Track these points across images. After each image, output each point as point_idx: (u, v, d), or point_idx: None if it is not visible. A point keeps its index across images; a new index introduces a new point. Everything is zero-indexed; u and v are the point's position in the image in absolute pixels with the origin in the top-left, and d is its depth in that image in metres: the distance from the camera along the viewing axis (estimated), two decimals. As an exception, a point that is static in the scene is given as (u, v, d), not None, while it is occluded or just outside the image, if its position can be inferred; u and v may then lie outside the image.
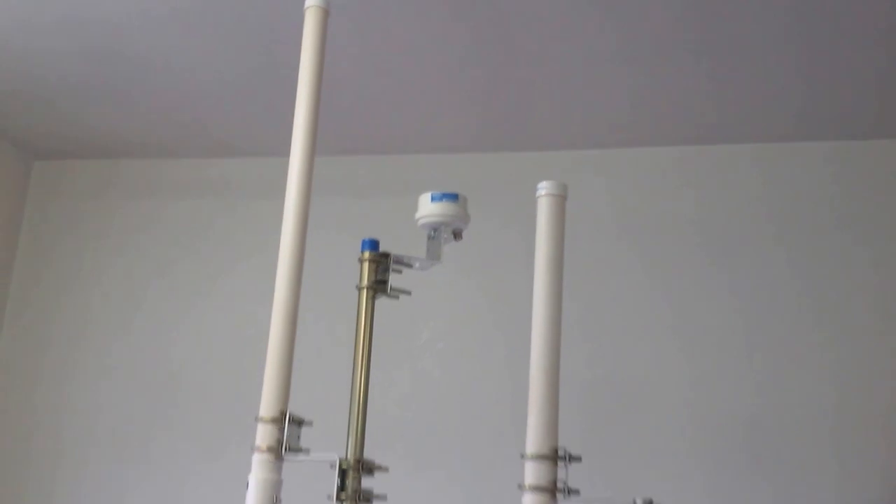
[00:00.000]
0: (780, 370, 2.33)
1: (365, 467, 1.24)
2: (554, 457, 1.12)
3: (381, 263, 1.35)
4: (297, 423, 1.25)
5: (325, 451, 1.23)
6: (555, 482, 1.11)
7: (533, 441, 1.13)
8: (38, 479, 2.63)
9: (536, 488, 1.11)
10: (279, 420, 1.23)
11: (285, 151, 1.35)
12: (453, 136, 2.63)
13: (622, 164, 2.59)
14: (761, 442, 2.29)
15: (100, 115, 2.60)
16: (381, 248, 1.38)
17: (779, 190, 2.48)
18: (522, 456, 1.14)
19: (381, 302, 1.36)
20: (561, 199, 1.23)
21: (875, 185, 2.44)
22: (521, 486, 1.13)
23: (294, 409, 1.24)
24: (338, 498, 1.23)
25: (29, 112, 2.62)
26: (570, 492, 1.11)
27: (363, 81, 2.32)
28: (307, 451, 1.24)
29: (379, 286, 1.34)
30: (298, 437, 1.26)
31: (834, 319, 2.34)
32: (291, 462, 1.23)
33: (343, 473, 1.23)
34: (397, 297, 1.37)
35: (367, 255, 1.36)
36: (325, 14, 1.40)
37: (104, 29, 2.13)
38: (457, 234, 1.40)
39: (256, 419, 1.24)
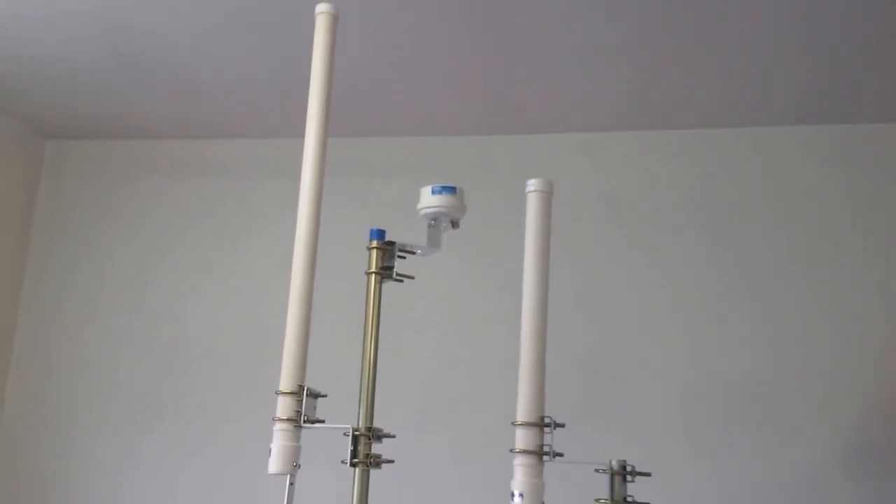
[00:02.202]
0: (774, 342, 2.46)
1: (374, 434, 1.39)
2: (541, 424, 1.27)
3: (387, 251, 1.50)
4: (314, 396, 1.40)
5: (338, 420, 1.39)
6: (541, 446, 1.26)
7: (522, 410, 1.28)
8: (52, 451, 2.77)
9: (525, 452, 1.26)
10: (297, 393, 1.38)
11: (294, 132, 1.46)
12: (454, 119, 2.72)
13: (618, 148, 2.70)
14: (753, 409, 2.43)
15: (111, 96, 2.68)
16: (386, 230, 1.52)
17: (775, 173, 2.58)
18: (513, 423, 1.29)
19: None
20: (548, 195, 1.37)
21: (873, 168, 2.54)
22: (512, 450, 1.28)
23: (310, 383, 1.39)
24: (351, 462, 1.38)
25: (42, 93, 2.70)
26: (555, 455, 1.26)
27: (369, 68, 2.40)
28: (323, 420, 1.39)
29: (385, 271, 1.48)
30: (315, 409, 1.41)
31: (825, 291, 2.48)
32: (309, 431, 1.39)
33: (355, 440, 1.38)
34: (402, 281, 1.51)
35: (374, 243, 1.50)
36: (335, 20, 1.53)
37: (115, 12, 2.17)
38: (454, 224, 1.54)
39: (277, 392, 1.39)
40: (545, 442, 1.27)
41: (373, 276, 1.48)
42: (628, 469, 1.28)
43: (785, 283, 2.50)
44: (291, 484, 1.35)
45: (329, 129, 1.49)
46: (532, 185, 1.39)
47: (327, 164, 1.50)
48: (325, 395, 1.42)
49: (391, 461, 1.38)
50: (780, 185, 2.57)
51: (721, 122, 2.61)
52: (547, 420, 1.28)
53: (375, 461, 1.38)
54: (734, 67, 2.28)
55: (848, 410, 2.38)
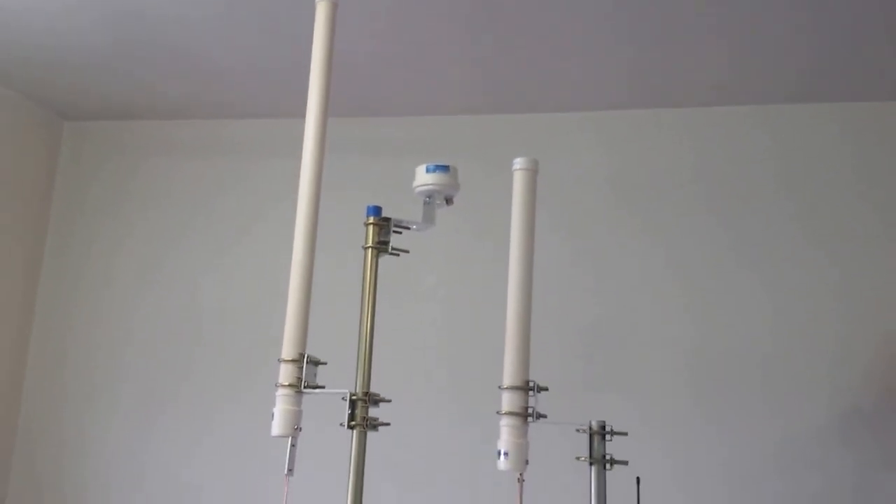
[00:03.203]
0: (780, 311, 2.53)
1: (371, 399, 1.48)
2: (525, 388, 1.35)
3: (384, 226, 1.58)
4: (314, 363, 1.49)
5: (337, 386, 1.47)
6: (526, 408, 1.35)
7: (508, 375, 1.36)
8: (72, 415, 2.88)
9: (510, 414, 1.34)
10: (299, 361, 1.47)
11: (301, 112, 1.55)
12: (455, 98, 2.78)
13: (622, 126, 2.75)
14: (759, 373, 2.50)
15: (126, 78, 2.76)
16: (383, 208, 1.60)
17: (781, 150, 2.64)
18: (500, 387, 1.37)
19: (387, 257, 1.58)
20: (532, 173, 1.44)
21: (880, 145, 2.59)
22: (499, 412, 1.36)
23: (313, 353, 1.48)
24: (349, 425, 1.47)
25: (60, 77, 2.79)
26: (538, 416, 1.35)
27: (369, 49, 2.46)
28: (323, 386, 1.48)
29: (381, 246, 1.56)
30: (315, 375, 1.50)
31: (832, 263, 2.54)
32: (309, 396, 1.48)
33: (353, 404, 1.47)
34: (398, 255, 1.59)
35: (371, 219, 1.58)
36: (335, 7, 1.60)
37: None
38: (448, 200, 1.61)
39: (279, 360, 1.48)
40: (529, 404, 1.35)
41: (370, 250, 1.56)
42: (607, 429, 1.36)
43: (791, 255, 2.56)
44: (293, 446, 1.45)
45: (330, 109, 1.57)
46: (518, 163, 1.46)
47: (329, 144, 1.58)
48: (324, 363, 1.51)
49: (387, 424, 1.47)
50: (786, 162, 2.63)
51: (726, 99, 2.65)
52: (531, 384, 1.36)
53: (372, 423, 1.46)
54: (740, 44, 2.29)
55: (853, 373, 2.45)
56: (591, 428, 1.38)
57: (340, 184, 2.34)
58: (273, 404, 1.45)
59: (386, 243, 1.56)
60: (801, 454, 2.41)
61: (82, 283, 2.99)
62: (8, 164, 2.89)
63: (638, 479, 1.40)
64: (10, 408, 2.87)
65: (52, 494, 2.82)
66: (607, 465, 1.35)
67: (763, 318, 2.53)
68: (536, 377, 1.38)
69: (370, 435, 1.47)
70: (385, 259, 1.58)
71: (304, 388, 1.46)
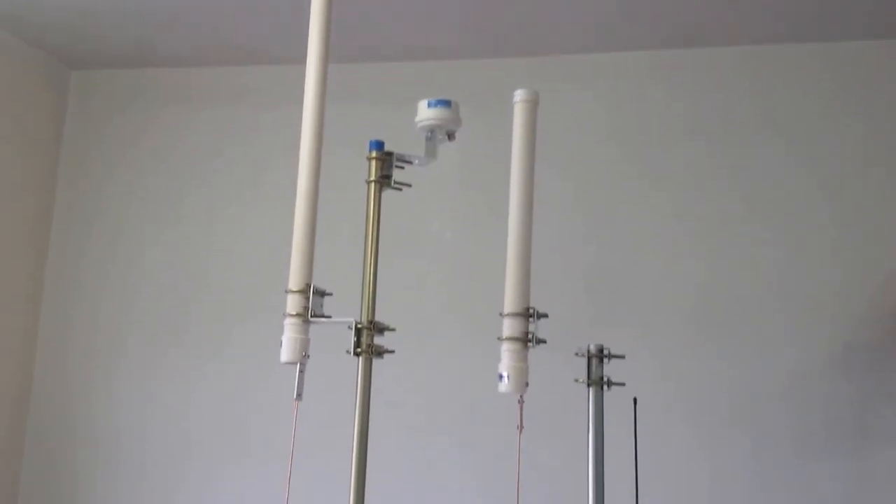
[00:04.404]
0: (782, 245, 2.57)
1: (376, 327, 1.52)
2: (525, 314, 1.39)
3: (386, 161, 1.60)
4: (320, 293, 1.53)
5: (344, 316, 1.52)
6: (526, 333, 1.39)
7: (509, 302, 1.40)
8: (77, 360, 2.95)
9: (511, 339, 1.38)
10: (305, 291, 1.51)
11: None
12: (452, 44, 2.79)
13: (622, 68, 2.76)
14: (768, 307, 2.55)
15: (133, 25, 2.76)
16: (386, 148, 1.63)
17: (770, 89, 2.66)
18: (501, 314, 1.41)
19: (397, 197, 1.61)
20: (533, 105, 1.46)
21: (865, 83, 2.61)
22: (499, 338, 1.40)
23: (318, 283, 1.52)
24: (355, 352, 1.52)
25: (65, 24, 2.78)
26: (538, 341, 1.39)
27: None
28: (329, 316, 1.52)
29: (384, 180, 1.59)
30: (321, 305, 1.54)
31: (827, 196, 2.58)
32: (316, 325, 1.52)
33: (358, 333, 1.51)
34: (400, 189, 1.62)
35: (373, 153, 1.61)
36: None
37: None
38: (450, 136, 1.64)
39: (286, 291, 1.52)
40: (529, 330, 1.39)
41: (372, 184, 1.59)
42: (605, 352, 1.40)
43: (791, 193, 2.59)
44: (301, 372, 1.49)
45: (333, 55, 1.59)
46: (518, 95, 1.48)
47: (332, 88, 1.60)
48: (330, 294, 1.54)
49: (391, 351, 1.51)
50: (776, 102, 2.64)
51: (714, 40, 2.66)
52: (531, 310, 1.39)
53: (377, 351, 1.51)
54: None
55: (856, 307, 2.49)
56: (588, 351, 1.42)
57: (341, 128, 2.36)
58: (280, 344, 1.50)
59: (388, 177, 1.59)
60: (804, 386, 2.45)
61: (93, 232, 3.03)
62: (15, 116, 2.91)
63: (635, 399, 1.44)
64: (26, 351, 2.94)
65: (65, 438, 2.89)
66: (605, 387, 1.40)
67: (766, 255, 2.57)
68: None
69: (376, 363, 1.52)
70: (389, 202, 1.61)
71: (311, 317, 1.50)
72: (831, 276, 2.52)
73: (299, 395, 1.48)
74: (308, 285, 1.51)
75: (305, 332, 1.51)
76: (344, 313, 1.53)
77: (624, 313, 2.61)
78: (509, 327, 1.39)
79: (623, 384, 1.39)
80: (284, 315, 1.51)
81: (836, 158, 2.58)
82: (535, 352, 1.40)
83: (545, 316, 1.39)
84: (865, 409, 2.44)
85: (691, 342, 2.55)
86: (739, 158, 2.63)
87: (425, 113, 1.59)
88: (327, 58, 1.58)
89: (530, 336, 1.39)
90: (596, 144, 2.73)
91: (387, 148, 1.62)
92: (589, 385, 1.40)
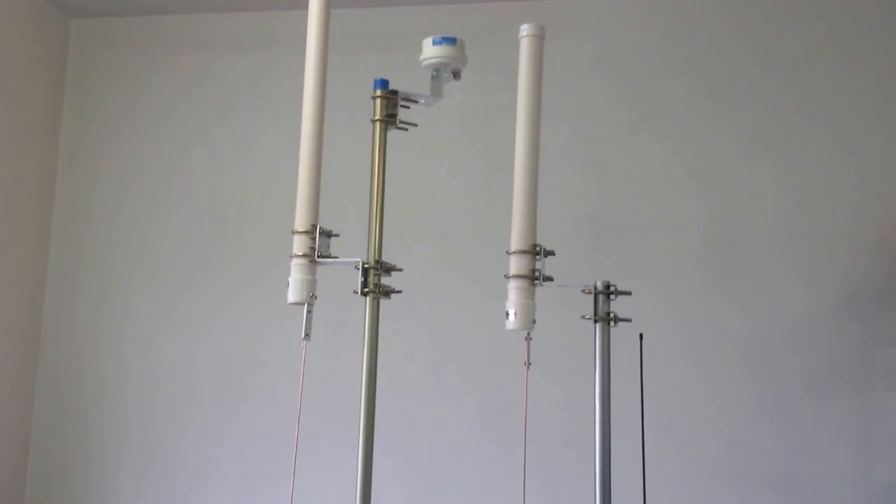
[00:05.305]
0: (793, 192, 2.55)
1: (383, 267, 1.52)
2: (532, 251, 1.39)
3: (391, 100, 1.59)
4: (326, 234, 1.53)
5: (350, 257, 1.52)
6: (533, 271, 1.38)
7: (516, 239, 1.39)
8: (87, 307, 2.95)
9: (518, 276, 1.38)
10: (311, 232, 1.51)
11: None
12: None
13: (609, 10, 2.73)
14: (775, 244, 2.54)
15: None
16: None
17: (766, 27, 2.63)
18: (507, 252, 1.41)
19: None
20: (539, 39, 1.44)
21: (860, 17, 2.58)
22: (506, 276, 1.40)
23: (324, 225, 1.52)
24: (362, 292, 1.52)
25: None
26: (545, 279, 1.38)
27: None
28: (336, 256, 1.52)
29: (389, 119, 1.58)
30: (328, 246, 1.54)
31: (822, 127, 2.55)
32: (324, 266, 1.52)
33: (365, 272, 1.52)
34: (406, 129, 1.61)
35: (378, 92, 1.59)
36: None
37: None
38: (456, 74, 1.62)
39: (293, 232, 1.51)
40: (536, 267, 1.39)
41: (378, 123, 1.58)
42: (611, 289, 1.40)
43: (791, 132, 2.57)
44: (309, 312, 1.50)
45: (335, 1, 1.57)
46: (524, 30, 1.46)
47: (336, 35, 1.58)
48: (336, 235, 1.54)
49: (399, 291, 1.51)
50: (772, 39, 2.62)
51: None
52: (537, 248, 1.39)
53: (384, 290, 1.51)
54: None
55: (864, 250, 2.49)
56: (595, 288, 1.41)
57: (348, 71, 2.33)
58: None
59: (394, 116, 1.58)
60: (811, 327, 2.46)
61: (100, 182, 3.01)
62: (13, 67, 2.86)
63: (641, 335, 1.45)
64: (34, 301, 2.95)
65: (75, 382, 2.92)
66: (611, 323, 1.40)
67: (773, 198, 2.55)
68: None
69: (383, 303, 1.52)
70: (395, 145, 1.60)
71: (318, 257, 1.50)
72: (837, 217, 2.51)
73: (307, 335, 1.49)
74: (314, 226, 1.51)
75: (312, 272, 1.51)
76: (353, 251, 1.53)
77: (629, 258, 2.60)
78: (516, 265, 1.39)
79: (629, 320, 1.39)
80: (291, 256, 1.52)
81: (840, 97, 2.55)
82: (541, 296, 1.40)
83: (552, 254, 1.39)
84: (873, 349, 2.44)
85: (697, 285, 2.55)
86: (738, 99, 2.61)
87: (430, 51, 1.57)
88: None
89: (537, 274, 1.38)
90: (594, 87, 2.70)
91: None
92: (595, 321, 1.40)
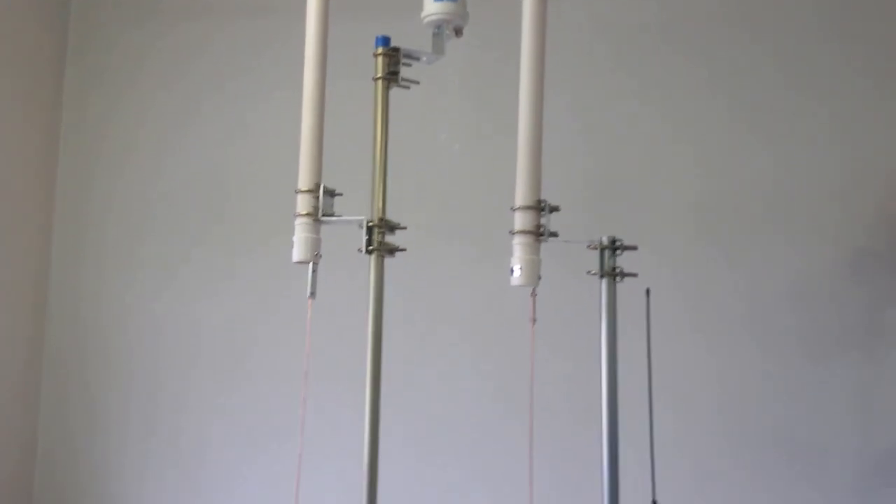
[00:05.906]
0: (788, 154, 2.52)
1: (387, 226, 1.52)
2: (537, 207, 1.38)
3: (393, 57, 1.58)
4: (330, 193, 1.53)
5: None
6: (538, 227, 1.38)
7: (520, 195, 1.39)
8: (91, 276, 2.94)
9: (523, 232, 1.37)
10: (315, 191, 1.51)
11: None
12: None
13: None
14: (769, 211, 2.51)
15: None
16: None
17: None
18: (512, 208, 1.40)
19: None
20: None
21: None
22: (511, 232, 1.39)
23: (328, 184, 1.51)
24: (366, 251, 1.52)
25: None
26: (550, 235, 1.38)
27: None
28: (340, 215, 1.52)
29: (391, 77, 1.57)
30: (332, 206, 1.54)
31: (819, 93, 2.51)
32: (328, 225, 1.52)
33: (370, 231, 1.51)
34: (408, 87, 1.60)
35: (380, 50, 1.58)
36: None
37: None
38: (458, 31, 1.60)
39: (296, 191, 1.51)
40: (541, 223, 1.38)
41: (380, 81, 1.57)
42: (617, 244, 1.40)
43: (789, 100, 2.54)
44: (314, 271, 1.50)
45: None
46: (528, -15, 1.44)
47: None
48: (340, 194, 1.54)
49: (403, 249, 1.51)
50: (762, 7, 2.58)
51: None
52: (542, 203, 1.38)
53: (389, 249, 1.51)
54: None
55: (864, 211, 2.46)
56: (601, 243, 1.41)
57: (350, 34, 2.31)
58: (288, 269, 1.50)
59: (396, 73, 1.57)
60: (812, 290, 2.46)
61: (103, 151, 2.97)
62: (14, 42, 2.82)
63: (648, 290, 1.45)
64: (40, 267, 2.95)
65: (80, 353, 2.93)
66: (617, 278, 1.40)
67: (768, 160, 2.53)
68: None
69: (388, 262, 1.52)
70: (397, 107, 1.58)
71: (322, 216, 1.50)
72: (833, 179, 2.48)
73: (313, 294, 1.49)
74: (318, 184, 1.51)
75: (316, 231, 1.51)
76: (356, 211, 1.53)
77: (627, 226, 2.58)
78: (521, 220, 1.38)
79: (636, 274, 1.38)
80: (295, 215, 1.51)
81: (831, 63, 2.52)
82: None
83: (557, 209, 1.39)
84: (874, 311, 2.44)
85: (695, 250, 2.53)
86: (727, 65, 2.58)
87: (432, 7, 1.55)
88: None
89: (542, 229, 1.38)
90: (591, 57, 2.67)
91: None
92: (601, 276, 1.40)
